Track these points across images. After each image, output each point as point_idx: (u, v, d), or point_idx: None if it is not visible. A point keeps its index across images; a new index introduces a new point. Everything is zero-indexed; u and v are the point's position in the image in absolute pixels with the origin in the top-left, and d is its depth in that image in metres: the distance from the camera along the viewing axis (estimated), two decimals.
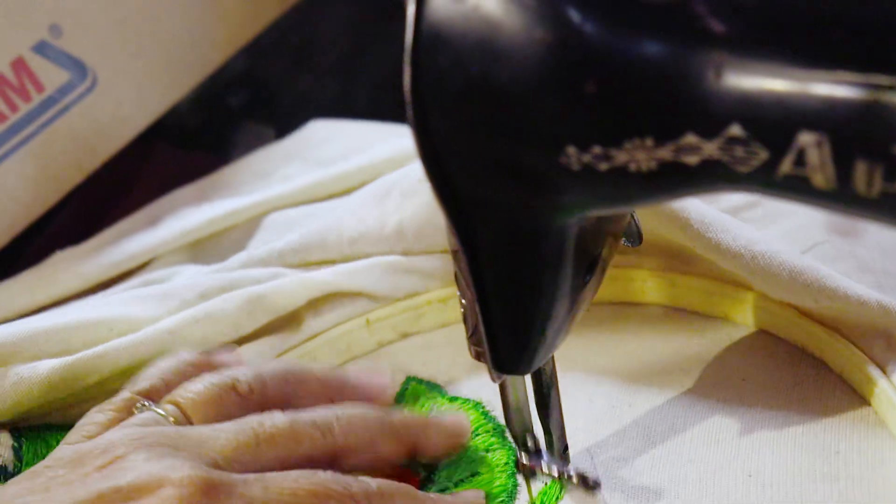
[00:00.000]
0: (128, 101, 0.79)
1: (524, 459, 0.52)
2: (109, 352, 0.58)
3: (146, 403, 0.49)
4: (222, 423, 0.48)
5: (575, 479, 0.50)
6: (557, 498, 0.51)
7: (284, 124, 0.85)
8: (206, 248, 0.71)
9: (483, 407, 0.57)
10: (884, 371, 0.51)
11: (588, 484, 0.50)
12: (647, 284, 0.61)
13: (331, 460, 0.49)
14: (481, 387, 0.57)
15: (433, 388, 0.59)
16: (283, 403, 0.50)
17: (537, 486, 0.51)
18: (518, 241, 0.42)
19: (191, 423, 0.49)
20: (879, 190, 0.32)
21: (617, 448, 0.52)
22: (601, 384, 0.56)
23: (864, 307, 0.52)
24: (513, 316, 0.45)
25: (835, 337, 0.54)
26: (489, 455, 0.53)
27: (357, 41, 0.96)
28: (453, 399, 0.57)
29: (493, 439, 0.54)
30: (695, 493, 0.49)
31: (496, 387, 0.56)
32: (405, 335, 0.64)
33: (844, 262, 0.59)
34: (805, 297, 0.54)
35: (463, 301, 0.47)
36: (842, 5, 0.33)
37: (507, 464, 0.53)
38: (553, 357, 0.49)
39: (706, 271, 0.59)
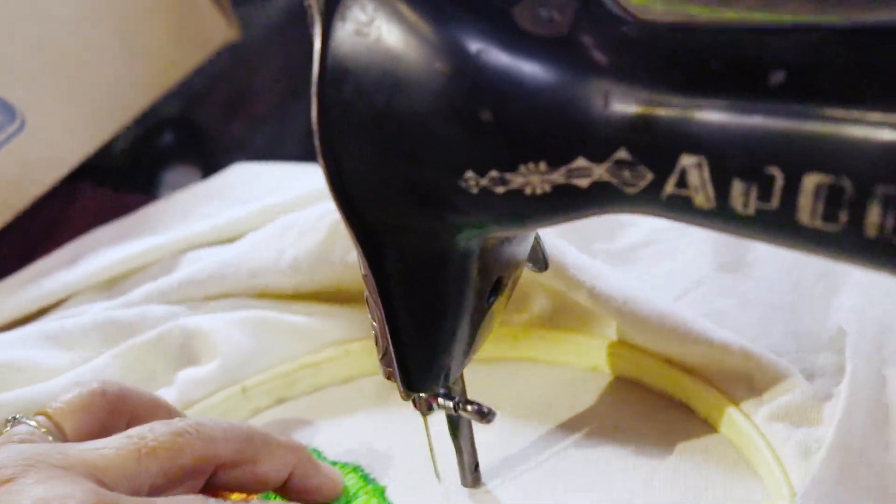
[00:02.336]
0: (56, 142, 0.78)
1: (422, 394, 0.50)
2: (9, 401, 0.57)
3: (17, 416, 0.48)
4: (104, 438, 0.46)
5: (470, 410, 0.49)
6: None
7: (217, 168, 0.85)
8: (123, 286, 0.70)
9: (362, 470, 0.56)
10: (745, 414, 0.52)
11: (482, 413, 0.48)
12: (518, 340, 0.62)
13: (214, 471, 0.48)
14: (360, 450, 0.58)
15: (313, 453, 0.58)
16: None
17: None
18: (423, 264, 0.43)
19: (63, 433, 0.48)
20: (755, 208, 0.33)
21: (504, 482, 0.52)
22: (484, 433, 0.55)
23: (727, 351, 0.53)
24: (420, 336, 0.45)
25: (699, 383, 0.55)
26: None
27: (290, 88, 0.97)
28: (334, 463, 0.56)
29: (372, 500, 0.54)
30: None
31: (374, 450, 0.57)
32: (281, 400, 0.63)
33: (729, 299, 0.60)
34: (672, 341, 0.55)
35: (374, 323, 0.47)
36: (716, 38, 0.34)
37: None
38: (463, 376, 0.50)
39: (576, 323, 0.61)
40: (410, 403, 0.49)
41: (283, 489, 0.52)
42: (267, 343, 0.63)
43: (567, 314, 0.61)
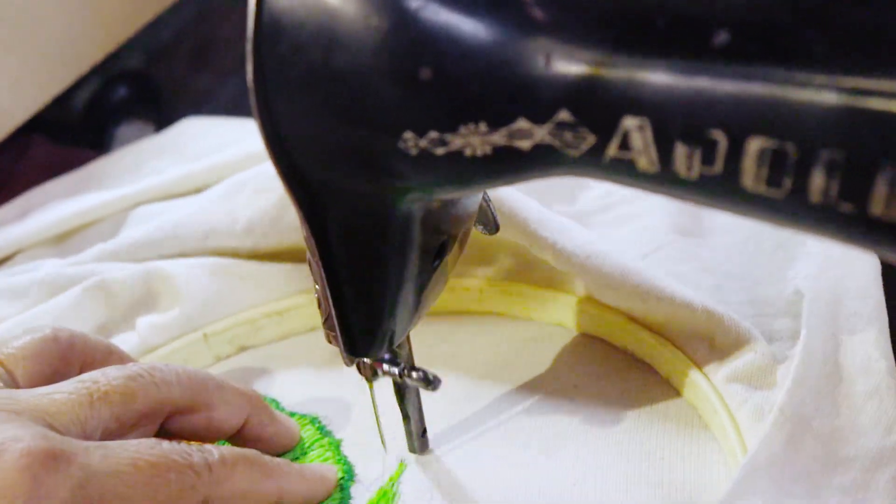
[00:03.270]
0: (3, 97, 0.77)
1: (366, 360, 0.49)
2: None
3: None
4: (56, 383, 0.46)
5: (415, 377, 0.48)
6: None
7: (173, 123, 0.84)
8: (73, 241, 0.69)
9: (319, 422, 0.56)
10: (705, 375, 0.52)
11: (427, 380, 0.47)
12: (484, 294, 0.61)
13: (168, 417, 0.48)
14: (318, 402, 0.57)
15: (271, 402, 0.58)
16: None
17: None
18: (364, 226, 0.41)
19: (14, 379, 0.47)
20: (698, 172, 0.32)
21: (453, 448, 0.52)
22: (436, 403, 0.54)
23: (690, 310, 0.53)
24: (362, 300, 0.44)
25: (662, 342, 0.54)
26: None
27: None
28: (291, 414, 0.56)
29: (328, 453, 0.54)
30: (524, 497, 0.48)
31: (332, 403, 0.57)
32: (243, 348, 0.63)
33: (688, 264, 0.60)
34: (635, 298, 0.54)
35: (316, 287, 0.46)
36: None
37: (341, 478, 0.52)
38: (409, 339, 0.49)
39: (543, 279, 0.60)
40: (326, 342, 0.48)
41: (237, 437, 0.51)
42: (230, 289, 0.62)
43: (531, 270, 0.60)
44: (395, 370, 0.48)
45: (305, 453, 0.54)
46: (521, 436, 0.52)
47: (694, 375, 0.52)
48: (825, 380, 0.48)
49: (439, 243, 0.44)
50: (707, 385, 0.51)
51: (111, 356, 0.52)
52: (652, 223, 0.63)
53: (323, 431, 0.55)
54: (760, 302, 0.57)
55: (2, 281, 0.63)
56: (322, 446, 0.54)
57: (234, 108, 0.89)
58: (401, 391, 0.50)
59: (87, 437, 0.44)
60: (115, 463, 0.43)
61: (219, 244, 0.64)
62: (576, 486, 0.49)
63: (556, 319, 0.59)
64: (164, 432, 0.49)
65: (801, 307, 0.52)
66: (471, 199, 0.46)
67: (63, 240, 0.70)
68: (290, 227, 0.62)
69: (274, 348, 0.63)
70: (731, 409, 0.49)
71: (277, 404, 0.58)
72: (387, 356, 0.48)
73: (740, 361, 0.51)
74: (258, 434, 0.52)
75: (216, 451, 0.46)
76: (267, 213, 0.62)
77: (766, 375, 0.50)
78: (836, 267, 0.55)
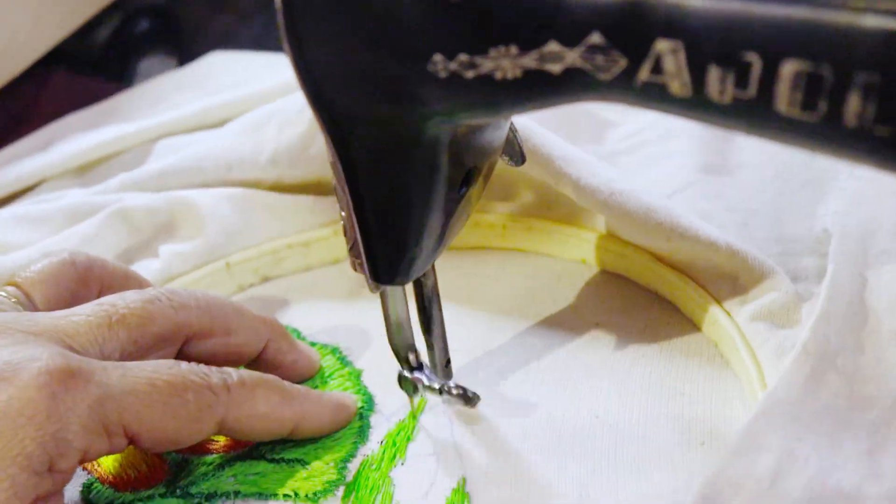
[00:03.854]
0: (23, 28, 0.76)
1: (406, 374, 0.51)
2: None
3: None
4: (74, 307, 0.46)
5: (455, 393, 0.49)
6: (408, 438, 0.50)
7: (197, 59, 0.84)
8: (96, 172, 0.69)
9: (340, 352, 0.56)
10: (728, 313, 0.52)
11: (467, 397, 0.49)
12: (507, 230, 0.61)
13: (186, 341, 0.48)
14: (339, 332, 0.57)
15: (293, 332, 0.58)
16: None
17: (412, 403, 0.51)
18: (391, 152, 0.41)
19: (32, 302, 0.48)
20: (731, 96, 0.32)
21: (475, 381, 0.52)
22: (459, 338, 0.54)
23: (714, 248, 0.52)
24: (388, 227, 0.44)
25: (685, 280, 0.54)
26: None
27: None
28: (312, 344, 0.56)
29: (348, 383, 0.54)
30: (544, 430, 0.49)
31: (353, 333, 0.57)
32: (266, 279, 0.63)
33: (713, 202, 0.59)
34: (658, 236, 0.54)
35: (342, 213, 0.46)
36: None
37: (360, 407, 0.52)
38: (434, 270, 0.49)
39: (565, 216, 0.60)
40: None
41: (256, 363, 0.52)
42: (255, 219, 0.62)
43: (553, 207, 0.60)
44: (436, 386, 0.50)
45: (325, 382, 0.54)
46: (541, 370, 0.53)
47: (716, 313, 0.52)
48: (850, 318, 0.47)
49: (465, 172, 0.44)
50: (729, 322, 0.51)
51: (129, 281, 0.52)
52: (678, 163, 0.62)
53: (343, 361, 0.55)
54: (787, 239, 0.56)
55: (25, 208, 0.64)
56: (342, 376, 0.54)
57: (258, 48, 0.88)
58: (427, 319, 0.50)
59: (105, 359, 0.45)
60: (133, 382, 0.43)
61: (243, 176, 0.63)
62: (597, 418, 0.49)
63: (578, 256, 0.59)
64: (182, 356, 0.49)
65: (829, 246, 0.52)
66: (497, 132, 0.45)
67: (86, 171, 0.70)
68: (316, 158, 0.62)
69: (296, 279, 0.63)
70: (752, 347, 0.49)
71: (298, 334, 0.58)
72: (427, 372, 0.50)
73: (764, 300, 0.51)
74: (277, 361, 0.52)
75: (235, 373, 0.46)
76: (292, 145, 0.62)
77: (790, 314, 0.50)
78: (867, 204, 0.54)
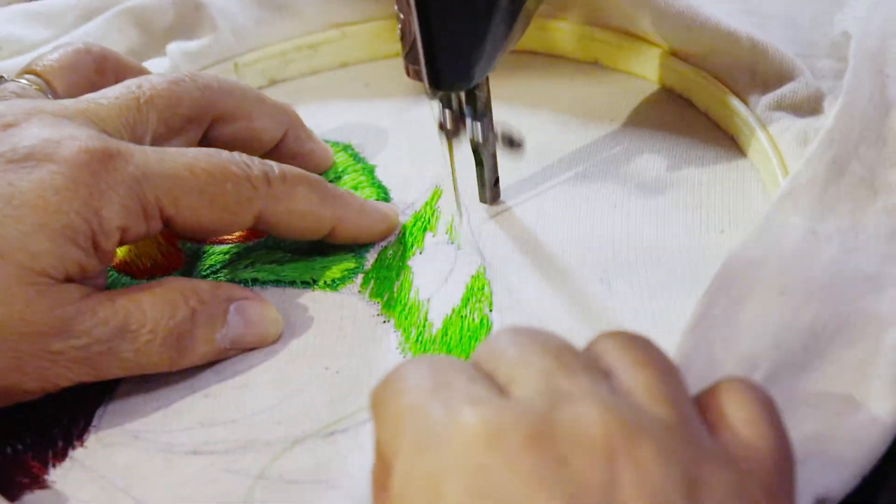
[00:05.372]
0: None
1: (447, 121, 0.48)
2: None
3: (2, 76, 0.47)
4: (99, 91, 0.46)
5: (500, 138, 0.48)
6: (426, 228, 0.50)
7: None
8: None
9: (352, 149, 0.56)
10: (745, 102, 0.52)
11: (512, 142, 0.47)
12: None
13: (210, 124, 0.48)
14: (351, 131, 0.57)
15: None
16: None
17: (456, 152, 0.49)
18: None
19: (54, 90, 0.47)
20: None
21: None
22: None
23: (733, 39, 0.52)
24: (451, 27, 0.43)
25: (701, 73, 0.54)
26: (358, 192, 0.52)
27: None
28: (325, 142, 0.56)
29: (361, 178, 0.54)
30: (562, 219, 0.49)
31: (365, 132, 0.57)
32: (273, 81, 0.62)
33: (730, 4, 0.58)
34: (679, 26, 0.53)
35: (401, 16, 0.44)
36: None
37: (375, 200, 0.52)
38: (489, 84, 0.47)
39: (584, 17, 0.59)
40: (406, 76, 0.47)
41: (275, 151, 0.51)
42: (264, 19, 0.61)
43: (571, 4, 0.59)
44: (478, 125, 0.47)
45: (339, 177, 0.54)
46: (561, 162, 0.53)
47: (733, 103, 0.52)
48: (872, 111, 0.47)
49: None
50: (747, 112, 0.51)
51: (142, 73, 0.51)
52: None
53: (356, 158, 0.55)
54: (804, 42, 0.55)
55: (37, 5, 0.62)
56: (356, 171, 0.54)
57: None
58: (478, 135, 0.48)
59: (138, 142, 0.44)
60: (172, 167, 0.43)
61: None
62: (615, 207, 0.49)
63: (591, 57, 0.59)
64: (207, 140, 0.49)
65: (847, 50, 0.51)
66: None
67: None
68: None
69: (304, 82, 0.62)
70: (772, 135, 0.49)
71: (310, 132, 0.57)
72: (468, 109, 0.47)
73: (784, 90, 0.50)
74: (296, 150, 0.52)
75: (277, 167, 0.46)
76: None
77: (811, 104, 0.50)
78: (886, 8, 0.54)
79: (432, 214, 0.51)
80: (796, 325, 0.38)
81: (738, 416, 0.31)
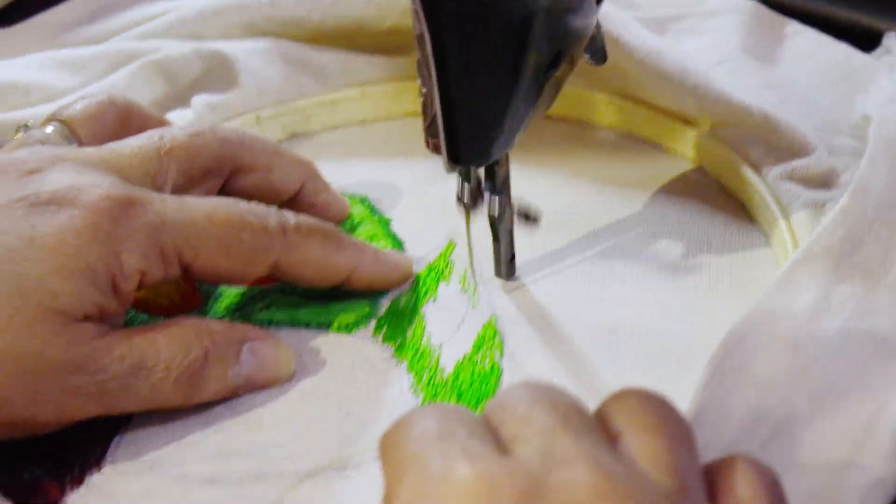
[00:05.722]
0: None
1: (465, 195, 0.48)
2: (26, 117, 0.56)
3: (28, 125, 0.49)
4: (121, 141, 0.47)
5: (516, 212, 0.49)
6: (439, 278, 0.51)
7: None
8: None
9: (369, 202, 0.57)
10: (756, 170, 0.53)
11: (528, 217, 0.48)
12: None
13: (229, 176, 0.49)
14: (368, 186, 0.58)
15: None
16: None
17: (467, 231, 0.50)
18: (482, 26, 0.41)
19: (78, 139, 0.48)
20: None
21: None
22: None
23: (746, 112, 0.53)
24: (472, 104, 0.43)
25: (714, 143, 0.55)
26: (374, 244, 0.53)
27: None
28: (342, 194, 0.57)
29: (377, 230, 0.55)
30: (574, 276, 0.51)
31: (382, 187, 0.58)
32: (294, 135, 0.63)
33: (752, 79, 0.60)
34: (691, 98, 0.55)
35: (423, 90, 0.45)
36: None
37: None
38: (508, 160, 0.48)
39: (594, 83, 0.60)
40: (426, 147, 0.47)
41: (292, 202, 0.52)
42: (287, 76, 0.63)
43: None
44: (496, 200, 0.48)
45: (355, 228, 0.55)
46: (572, 226, 0.54)
47: (746, 173, 0.53)
48: (888, 192, 0.48)
49: (553, 54, 0.44)
50: (758, 180, 0.52)
51: (164, 125, 0.52)
52: (721, 39, 0.63)
53: (373, 210, 0.56)
54: (823, 121, 0.57)
55: (66, 51, 0.64)
56: (372, 223, 0.55)
57: None
58: (496, 211, 0.49)
59: (158, 191, 0.46)
60: (191, 216, 0.44)
61: (284, 14, 0.64)
62: (623, 259, 0.51)
63: (607, 122, 0.61)
64: (226, 191, 0.50)
65: (866, 131, 0.52)
66: (587, 19, 0.46)
67: None
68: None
69: (324, 137, 0.64)
70: (783, 204, 0.51)
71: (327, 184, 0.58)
72: (486, 184, 0.47)
73: (796, 163, 0.52)
74: (313, 201, 0.53)
75: (294, 217, 0.47)
76: None
77: (823, 177, 0.51)
78: None
79: (446, 266, 0.52)
80: (805, 382, 0.39)
81: (744, 491, 0.31)
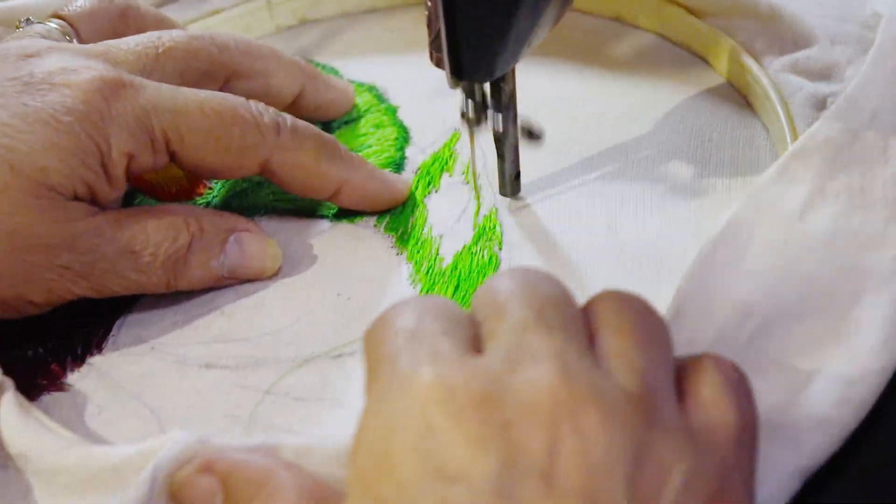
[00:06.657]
0: None
1: (469, 110, 0.47)
2: (29, 9, 0.56)
3: (30, 18, 0.49)
4: (119, 38, 0.47)
5: (520, 130, 0.48)
6: (442, 168, 0.51)
7: None
8: None
9: (377, 90, 0.57)
10: (759, 62, 0.52)
11: (531, 134, 0.48)
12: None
13: (226, 81, 0.49)
14: (376, 72, 0.58)
15: (331, 71, 0.59)
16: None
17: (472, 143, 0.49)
18: None
19: (78, 36, 0.48)
20: None
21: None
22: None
23: (752, 2, 0.53)
24: (475, 17, 0.42)
25: (718, 34, 0.55)
26: (380, 131, 0.54)
27: None
28: (350, 82, 0.57)
29: (384, 117, 0.55)
30: (576, 169, 0.50)
31: (390, 74, 0.57)
32: (304, 21, 0.63)
33: None
34: None
35: (428, 3, 0.44)
36: None
37: (396, 139, 0.53)
38: (514, 75, 0.46)
39: None
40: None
41: (294, 106, 0.52)
42: None
43: None
44: (500, 117, 0.47)
45: (361, 117, 0.55)
46: (577, 117, 0.53)
47: (748, 63, 0.53)
48: (893, 84, 0.48)
49: None
50: (761, 72, 0.52)
51: (163, 24, 0.52)
52: None
53: (380, 98, 0.56)
54: (832, 16, 0.55)
55: None
56: (378, 110, 0.55)
57: None
58: (500, 127, 0.48)
59: None
60: (183, 103, 0.44)
61: None
62: (626, 158, 0.51)
63: (613, 13, 0.60)
64: None
65: (875, 27, 0.51)
66: None
67: None
68: None
69: (334, 24, 0.63)
70: (783, 96, 0.50)
71: (336, 72, 0.59)
72: (491, 101, 0.46)
73: (799, 55, 0.51)
74: (316, 101, 0.53)
75: (290, 119, 0.47)
76: None
77: (824, 71, 0.50)
78: None
79: (450, 156, 0.52)
80: (794, 276, 0.39)
81: (707, 392, 0.31)
